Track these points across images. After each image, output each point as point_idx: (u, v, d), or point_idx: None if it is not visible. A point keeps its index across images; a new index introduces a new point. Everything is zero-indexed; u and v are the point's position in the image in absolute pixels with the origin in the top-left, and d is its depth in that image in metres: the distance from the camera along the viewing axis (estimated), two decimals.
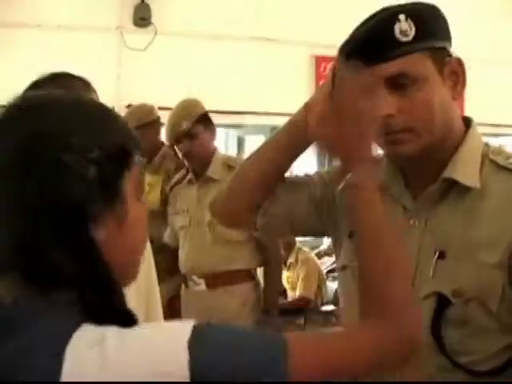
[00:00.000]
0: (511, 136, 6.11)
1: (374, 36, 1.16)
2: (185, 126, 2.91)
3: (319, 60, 6.45)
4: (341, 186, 1.08)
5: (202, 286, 2.96)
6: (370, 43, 1.16)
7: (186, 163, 3.06)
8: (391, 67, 1.16)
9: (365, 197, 1.03)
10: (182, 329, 0.72)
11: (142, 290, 1.46)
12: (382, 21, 1.16)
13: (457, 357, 1.17)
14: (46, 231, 0.75)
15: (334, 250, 1.41)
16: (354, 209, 1.05)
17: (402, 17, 1.15)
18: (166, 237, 3.22)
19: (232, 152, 6.18)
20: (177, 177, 3.18)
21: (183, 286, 3.10)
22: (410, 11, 1.16)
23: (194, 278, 2.98)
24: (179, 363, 0.69)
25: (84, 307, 0.76)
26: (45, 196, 0.75)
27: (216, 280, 2.92)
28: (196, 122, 2.94)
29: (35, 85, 1.43)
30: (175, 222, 3.14)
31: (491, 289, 1.15)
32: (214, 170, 2.97)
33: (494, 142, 1.30)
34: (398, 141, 1.19)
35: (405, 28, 1.14)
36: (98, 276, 0.76)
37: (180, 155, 3.03)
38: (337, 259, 1.39)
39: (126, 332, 0.73)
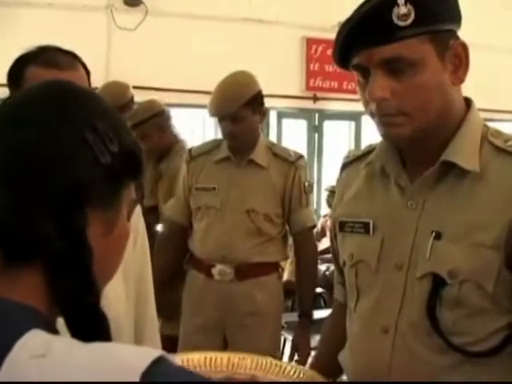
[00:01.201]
0: (507, 122, 6.12)
1: (372, 20, 1.14)
2: (229, 109, 2.68)
3: (310, 42, 6.44)
4: None
5: (230, 276, 2.74)
6: (367, 26, 1.15)
7: (228, 141, 2.81)
8: (388, 51, 1.14)
9: None
10: (138, 360, 0.64)
11: (131, 274, 1.42)
12: (381, 4, 1.14)
13: (452, 337, 1.18)
14: (40, 199, 0.70)
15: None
16: None
17: (401, 1, 1.13)
18: (170, 210, 2.93)
19: None
20: (197, 148, 2.91)
21: (199, 276, 2.84)
22: None
23: (222, 266, 2.75)
24: None
25: (54, 294, 0.71)
26: (53, 166, 0.71)
27: (246, 271, 2.73)
28: (244, 106, 2.70)
29: (21, 59, 1.38)
30: (196, 199, 2.83)
31: (487, 270, 1.15)
32: (257, 154, 2.79)
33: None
34: (391, 123, 1.18)
35: (403, 13, 1.13)
36: (80, 259, 0.71)
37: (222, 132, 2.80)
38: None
39: (77, 345, 0.66)
